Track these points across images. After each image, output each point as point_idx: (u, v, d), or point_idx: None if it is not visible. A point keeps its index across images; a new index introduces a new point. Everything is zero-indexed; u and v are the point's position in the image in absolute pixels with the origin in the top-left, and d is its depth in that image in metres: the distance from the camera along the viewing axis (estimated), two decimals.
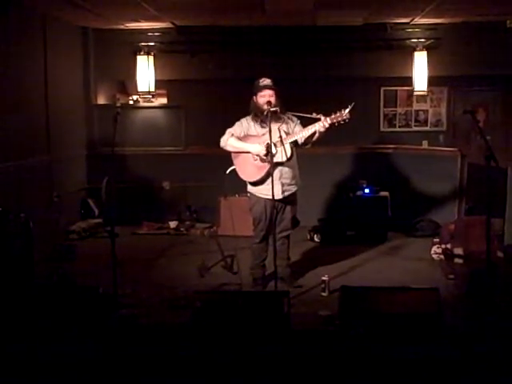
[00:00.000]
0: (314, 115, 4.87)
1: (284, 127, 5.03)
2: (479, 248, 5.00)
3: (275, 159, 4.94)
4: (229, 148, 5.14)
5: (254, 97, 5.07)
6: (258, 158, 5.02)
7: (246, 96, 5.16)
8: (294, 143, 5.03)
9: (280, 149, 4.96)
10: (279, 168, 5.03)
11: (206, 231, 7.57)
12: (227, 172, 5.25)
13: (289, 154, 4.99)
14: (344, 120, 4.77)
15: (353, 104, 4.77)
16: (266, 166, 4.92)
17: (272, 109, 4.85)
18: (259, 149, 4.99)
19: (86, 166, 8.18)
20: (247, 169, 5.11)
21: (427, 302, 3.95)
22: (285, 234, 5.25)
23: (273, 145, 4.89)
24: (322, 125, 4.81)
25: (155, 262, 6.32)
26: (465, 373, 3.47)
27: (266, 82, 5.04)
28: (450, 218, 6.87)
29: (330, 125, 4.81)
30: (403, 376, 3.44)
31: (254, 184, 5.12)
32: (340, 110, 4.79)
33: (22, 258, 5.03)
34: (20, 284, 4.86)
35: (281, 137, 4.94)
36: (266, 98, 4.97)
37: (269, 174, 4.80)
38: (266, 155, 4.89)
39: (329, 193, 7.94)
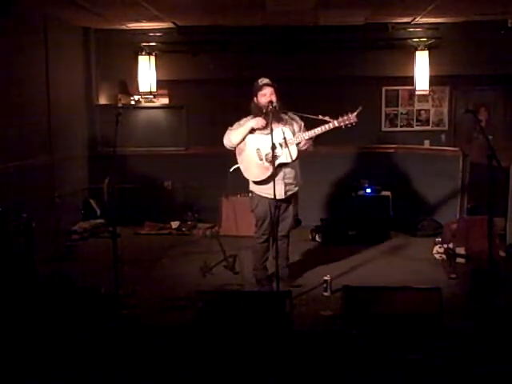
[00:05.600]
0: (321, 117, 4.88)
1: (288, 128, 5.02)
2: (481, 247, 4.98)
3: (280, 160, 4.96)
4: (234, 140, 5.07)
5: (255, 97, 5.06)
6: (264, 158, 5.02)
7: (247, 96, 5.14)
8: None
9: (285, 150, 4.97)
10: (283, 168, 5.03)
11: (207, 231, 7.57)
12: (231, 170, 5.25)
13: (294, 156, 4.99)
14: (351, 123, 4.79)
15: (360, 108, 4.78)
16: (271, 167, 4.85)
17: (269, 105, 4.84)
18: (259, 120, 4.97)
19: (88, 166, 8.19)
20: (252, 168, 5.10)
21: (429, 302, 3.94)
22: (284, 232, 5.25)
23: (278, 145, 4.91)
24: (330, 127, 4.84)
25: (157, 262, 6.32)
26: (466, 372, 3.47)
27: (266, 80, 5.05)
28: (451, 218, 6.87)
29: (337, 127, 4.84)
30: (405, 376, 3.44)
31: (258, 183, 5.11)
32: (347, 113, 4.80)
33: (24, 258, 5.04)
34: (22, 284, 4.87)
35: (285, 138, 4.94)
36: (267, 96, 4.96)
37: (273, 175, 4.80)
38: (266, 127, 4.91)
39: (331, 192, 7.94)
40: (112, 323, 4.19)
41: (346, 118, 4.79)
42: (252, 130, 5.08)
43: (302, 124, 5.14)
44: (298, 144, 5.00)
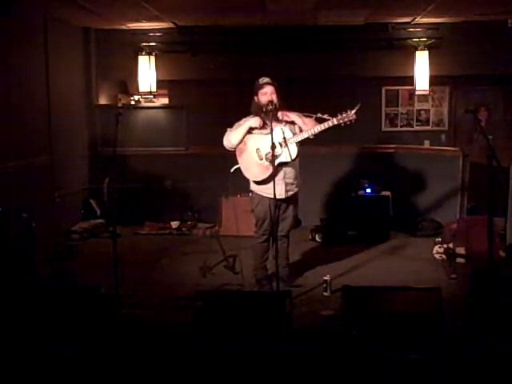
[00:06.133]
0: (320, 115, 4.88)
1: (288, 127, 5.02)
2: (481, 247, 4.98)
3: (280, 159, 4.96)
4: (233, 140, 5.07)
5: (255, 97, 5.06)
6: (264, 158, 5.01)
7: (247, 96, 5.15)
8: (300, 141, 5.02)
9: (285, 149, 4.97)
10: (283, 168, 5.03)
11: (207, 231, 7.57)
12: (232, 170, 5.24)
13: (294, 155, 4.99)
14: (350, 121, 4.78)
15: (359, 105, 4.78)
16: (271, 167, 4.86)
17: (269, 105, 4.84)
18: (257, 119, 4.98)
19: (88, 166, 8.19)
20: (252, 168, 5.10)
21: (429, 302, 3.94)
22: (284, 232, 5.24)
23: (278, 144, 4.91)
24: (330, 125, 4.83)
25: (157, 262, 6.32)
26: (466, 373, 3.47)
27: (266, 79, 5.05)
28: (451, 218, 6.87)
29: (337, 125, 4.83)
30: (405, 376, 3.44)
31: (259, 183, 5.11)
32: (346, 111, 4.79)
33: (24, 258, 5.04)
34: (22, 284, 4.87)
35: (284, 137, 4.94)
36: (267, 95, 4.95)
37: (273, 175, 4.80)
38: (263, 127, 4.94)
39: (330, 192, 7.94)
40: (112, 323, 4.18)
41: (344, 115, 4.79)
42: (251, 130, 5.08)
43: (298, 118, 5.08)
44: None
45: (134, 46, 8.18)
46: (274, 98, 4.95)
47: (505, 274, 5.20)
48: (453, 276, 5.54)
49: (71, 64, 7.85)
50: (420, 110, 8.71)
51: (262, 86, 5.01)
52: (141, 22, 7.59)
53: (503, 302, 4.53)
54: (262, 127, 5.01)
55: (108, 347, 3.81)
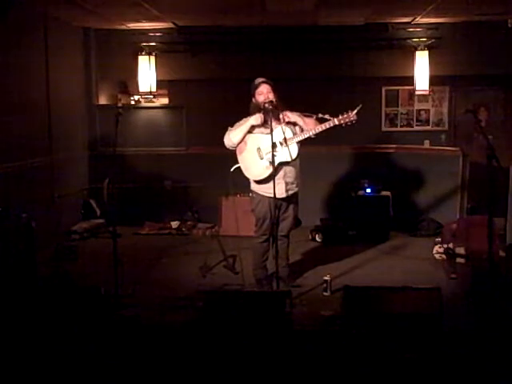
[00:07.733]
0: (321, 115, 4.88)
1: (288, 127, 5.02)
2: (481, 247, 4.98)
3: (280, 159, 4.96)
4: (234, 139, 5.07)
5: (253, 97, 5.08)
6: (265, 157, 5.01)
7: (247, 96, 5.15)
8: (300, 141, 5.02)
9: (285, 149, 4.97)
10: (283, 167, 5.03)
11: (207, 231, 7.58)
12: (232, 169, 5.24)
13: (294, 155, 4.99)
14: (351, 121, 4.79)
15: (360, 106, 4.78)
16: (271, 166, 4.87)
17: (267, 103, 4.84)
18: (258, 117, 4.97)
19: (88, 166, 8.19)
20: (252, 168, 5.10)
21: (429, 302, 3.94)
22: (284, 232, 5.24)
23: (279, 144, 4.91)
24: (331, 125, 4.84)
25: (157, 262, 6.32)
26: (466, 373, 3.47)
27: (262, 79, 5.06)
28: (451, 218, 6.87)
29: (337, 125, 4.84)
30: (405, 376, 3.44)
31: (259, 182, 5.11)
32: (347, 112, 4.80)
33: (24, 258, 5.04)
34: (22, 284, 4.87)
35: (285, 137, 4.93)
36: (264, 94, 4.97)
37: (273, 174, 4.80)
38: (264, 125, 4.93)
39: (330, 192, 7.94)
40: (112, 323, 4.19)
41: (345, 115, 4.80)
42: (252, 129, 5.07)
43: (298, 118, 5.07)
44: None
45: (134, 46, 8.18)
46: (271, 96, 4.96)
47: (505, 274, 5.20)
48: (453, 276, 5.55)
49: (71, 64, 7.85)
50: (420, 110, 8.70)
51: (257, 86, 5.03)
52: (141, 21, 7.59)
53: (503, 301, 4.53)
54: (263, 125, 5.01)
55: (108, 347, 3.81)
